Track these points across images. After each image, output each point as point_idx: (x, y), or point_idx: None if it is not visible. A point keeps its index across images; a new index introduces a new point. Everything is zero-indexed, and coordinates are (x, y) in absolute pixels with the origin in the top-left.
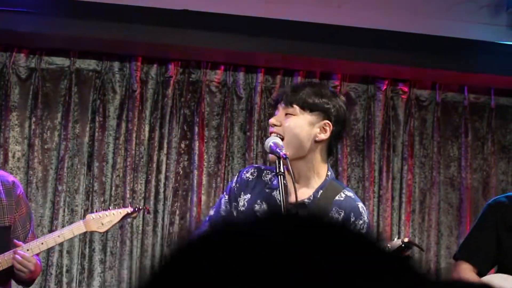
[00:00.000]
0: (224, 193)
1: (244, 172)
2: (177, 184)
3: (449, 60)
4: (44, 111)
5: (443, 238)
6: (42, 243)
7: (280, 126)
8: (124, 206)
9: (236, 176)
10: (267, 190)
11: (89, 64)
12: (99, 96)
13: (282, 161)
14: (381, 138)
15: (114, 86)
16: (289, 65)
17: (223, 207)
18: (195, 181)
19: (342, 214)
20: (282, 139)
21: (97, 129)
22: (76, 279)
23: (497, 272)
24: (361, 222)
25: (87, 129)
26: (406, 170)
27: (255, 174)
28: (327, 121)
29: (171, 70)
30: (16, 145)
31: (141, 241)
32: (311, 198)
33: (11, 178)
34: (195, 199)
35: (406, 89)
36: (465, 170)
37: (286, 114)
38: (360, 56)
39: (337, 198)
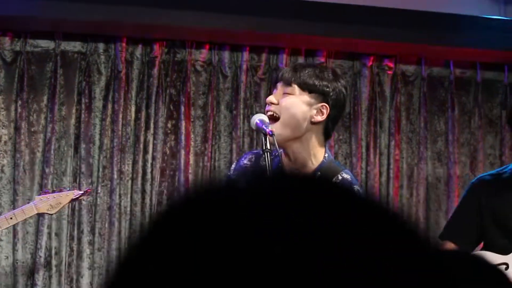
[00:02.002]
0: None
1: (242, 159)
2: (164, 164)
3: (435, 35)
4: (30, 94)
5: (431, 213)
6: None
7: (277, 104)
8: (74, 188)
9: (235, 164)
10: None
11: (74, 46)
12: (84, 78)
13: (269, 138)
14: (367, 114)
15: (99, 68)
16: (274, 43)
17: None
18: (182, 161)
19: None
20: (278, 118)
21: (83, 111)
22: (65, 261)
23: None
24: None
25: (73, 111)
26: (393, 146)
27: (252, 160)
28: (325, 104)
29: (156, 50)
30: (2, 128)
31: (129, 222)
32: None
33: None
34: (182, 178)
35: (391, 65)
36: (452, 144)
37: (284, 93)
38: (345, 33)
39: (333, 180)
